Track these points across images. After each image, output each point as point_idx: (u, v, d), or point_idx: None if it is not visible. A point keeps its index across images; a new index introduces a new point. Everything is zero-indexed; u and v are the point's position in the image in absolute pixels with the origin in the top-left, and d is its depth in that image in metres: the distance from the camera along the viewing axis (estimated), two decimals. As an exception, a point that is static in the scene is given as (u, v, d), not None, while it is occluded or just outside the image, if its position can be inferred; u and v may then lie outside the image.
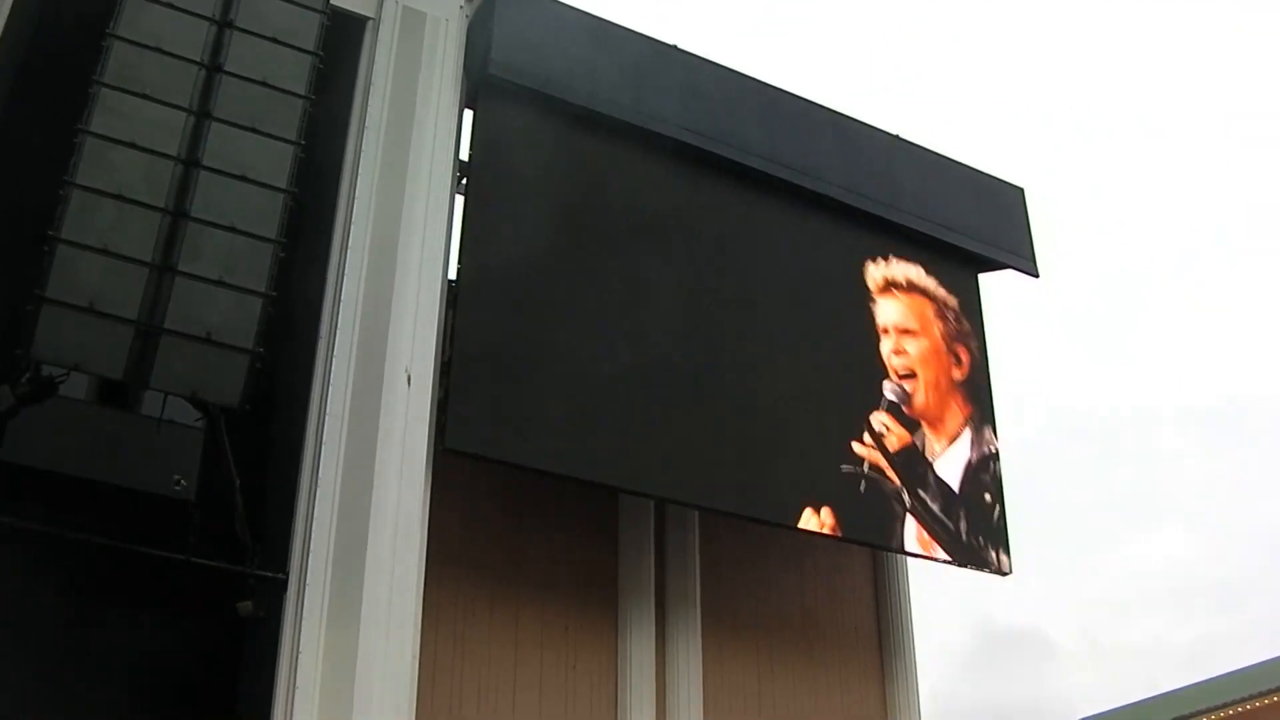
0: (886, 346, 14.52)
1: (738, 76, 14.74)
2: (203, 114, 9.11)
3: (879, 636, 14.59)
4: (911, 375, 14.41)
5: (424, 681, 10.51)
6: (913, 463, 13.87)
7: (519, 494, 12.59)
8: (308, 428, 10.16)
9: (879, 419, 13.78)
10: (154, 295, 8.43)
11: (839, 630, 14.33)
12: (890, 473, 13.61)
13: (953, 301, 15.37)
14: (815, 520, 12.89)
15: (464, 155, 12.58)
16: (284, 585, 9.56)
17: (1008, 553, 14.26)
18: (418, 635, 10.19)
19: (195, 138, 9.01)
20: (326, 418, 10.13)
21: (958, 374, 14.92)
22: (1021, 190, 16.67)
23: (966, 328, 15.35)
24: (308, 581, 9.51)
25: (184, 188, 8.81)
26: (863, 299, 14.66)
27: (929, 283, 15.24)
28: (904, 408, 14.08)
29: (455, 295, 11.84)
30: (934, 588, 15.23)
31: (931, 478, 13.92)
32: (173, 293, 8.49)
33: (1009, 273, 16.25)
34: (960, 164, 16.28)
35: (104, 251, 8.32)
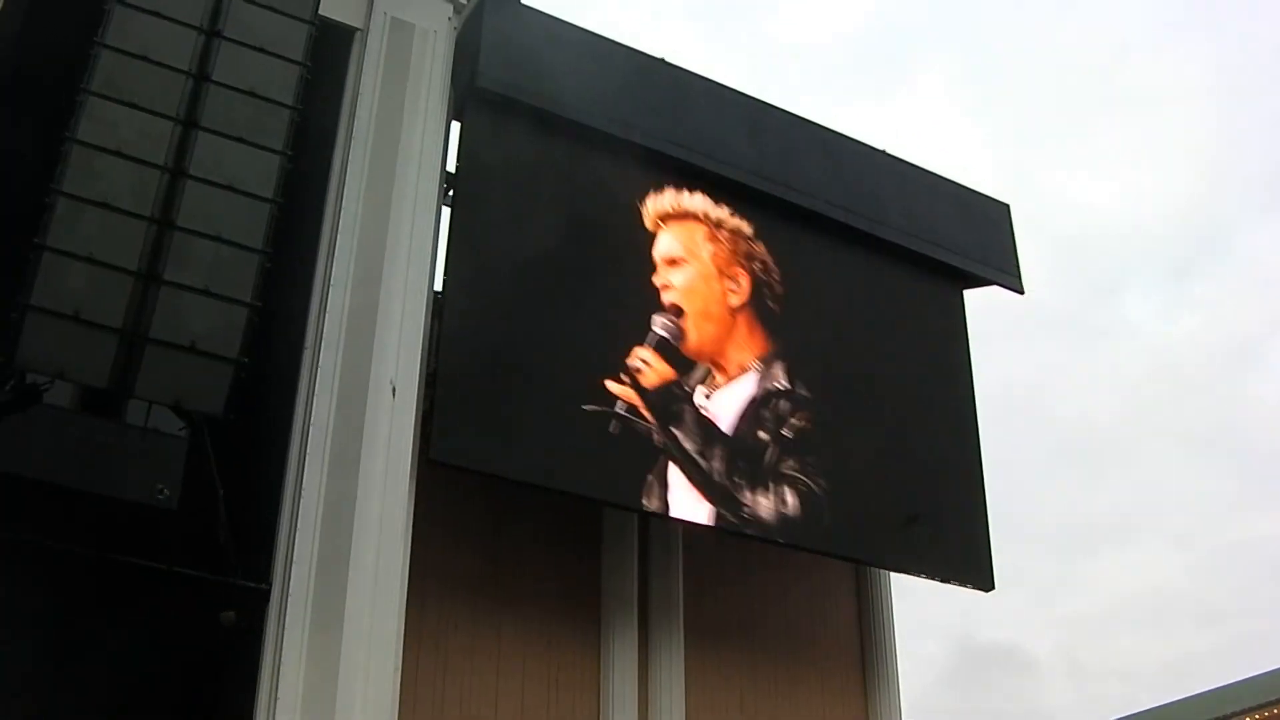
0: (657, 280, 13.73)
1: (725, 90, 14.77)
2: (190, 123, 9.12)
3: (861, 650, 14.59)
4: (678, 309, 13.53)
5: (406, 694, 10.51)
6: (671, 400, 13.02)
7: (503, 506, 12.57)
8: (292, 438, 10.17)
9: (640, 354, 12.90)
10: (139, 304, 8.44)
11: (822, 644, 14.33)
12: (645, 412, 12.72)
13: (733, 223, 14.51)
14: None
15: (450, 167, 12.59)
16: (267, 596, 9.57)
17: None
18: (400, 647, 10.18)
19: (182, 147, 9.02)
20: (311, 428, 10.15)
21: (734, 299, 14.10)
22: (1007, 206, 16.72)
23: (748, 249, 14.48)
24: (290, 592, 9.51)
25: (170, 197, 8.82)
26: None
27: (705, 204, 14.36)
28: (673, 342, 13.20)
29: (441, 307, 11.83)
30: (913, 601, 15.03)
31: (690, 416, 13.03)
32: (158, 302, 8.50)
33: (994, 288, 16.27)
34: (946, 180, 16.33)
35: (89, 260, 8.32)
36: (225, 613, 9.44)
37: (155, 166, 8.84)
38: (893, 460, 14.22)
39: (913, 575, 13.92)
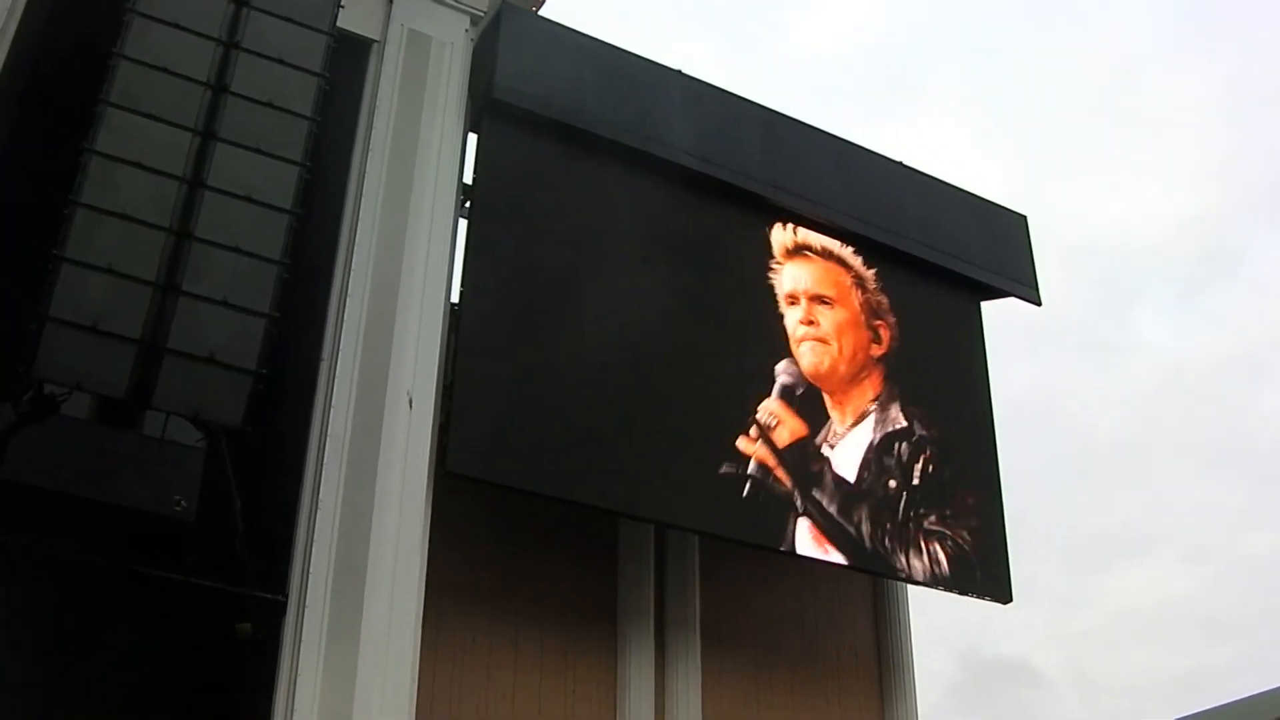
0: (794, 316, 14.17)
1: (741, 101, 14.76)
2: (208, 134, 9.10)
3: (878, 662, 14.53)
4: (824, 342, 14.06)
5: (422, 706, 10.47)
6: (806, 458, 13.28)
7: (519, 517, 12.55)
8: (309, 449, 10.16)
9: (769, 407, 13.26)
10: (157, 315, 8.41)
11: (838, 655, 14.28)
12: (779, 472, 13.02)
13: (868, 275, 14.98)
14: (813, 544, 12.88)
15: (467, 178, 12.60)
16: (283, 607, 9.55)
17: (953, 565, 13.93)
18: (417, 659, 10.14)
19: (200, 158, 9.00)
20: (328, 440, 10.14)
21: (876, 350, 14.51)
22: (1024, 218, 16.68)
23: (884, 303, 14.93)
24: (307, 604, 9.50)
25: (188, 208, 8.80)
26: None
27: (844, 252, 14.89)
28: (797, 392, 13.52)
29: (457, 318, 11.83)
30: (921, 614, 14.93)
31: (829, 474, 13.36)
32: (176, 313, 8.47)
33: (1007, 301, 16.23)
34: (963, 191, 16.30)
35: (108, 271, 8.31)
36: (241, 624, 9.41)
37: (174, 177, 8.82)
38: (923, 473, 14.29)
39: (931, 588, 13.85)
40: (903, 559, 13.47)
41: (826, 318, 14.28)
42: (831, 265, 14.70)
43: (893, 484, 13.77)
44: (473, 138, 12.81)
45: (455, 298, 11.94)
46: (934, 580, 13.71)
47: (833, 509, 13.10)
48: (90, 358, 8.13)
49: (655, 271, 13.37)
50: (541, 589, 12.58)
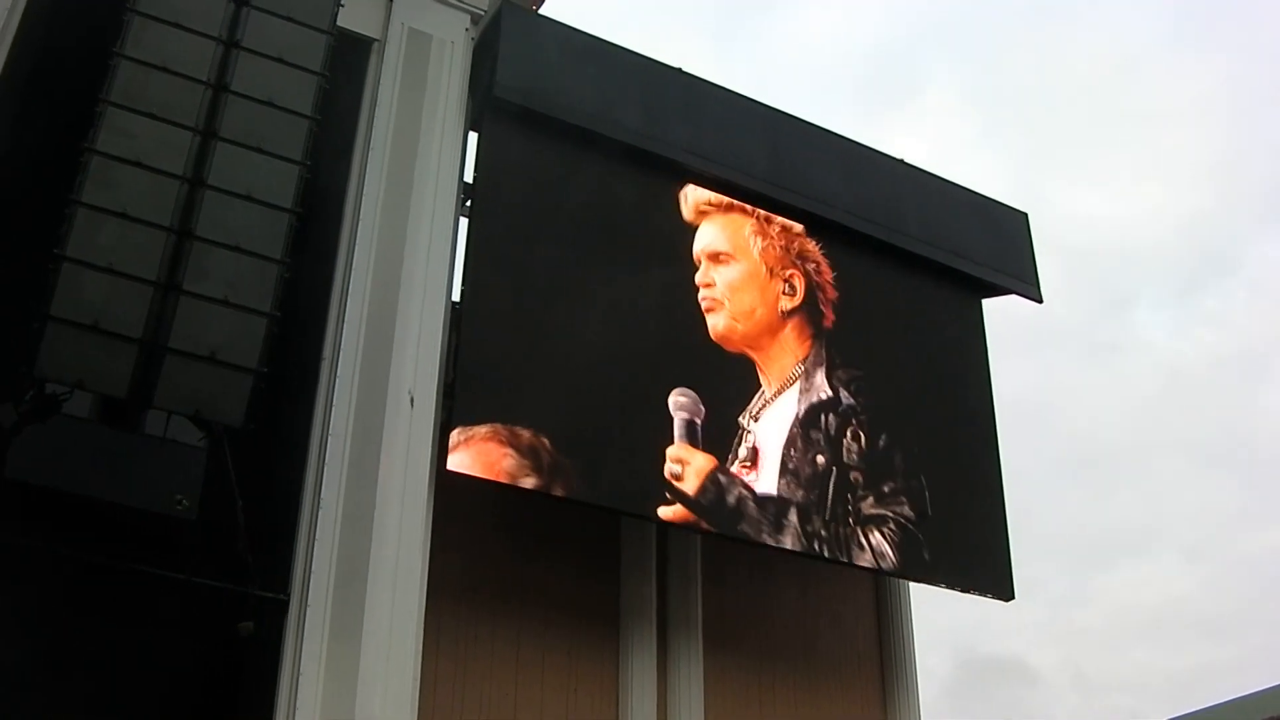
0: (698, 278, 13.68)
1: (741, 99, 14.76)
2: (208, 133, 9.11)
3: (881, 659, 14.52)
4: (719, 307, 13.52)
5: (424, 704, 10.45)
6: (722, 490, 12.75)
7: (521, 517, 12.54)
8: (310, 448, 10.17)
9: (673, 454, 12.57)
10: (158, 314, 8.43)
11: (841, 654, 14.27)
12: (703, 523, 12.64)
13: (782, 219, 14.45)
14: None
15: (468, 177, 12.59)
16: (285, 606, 9.56)
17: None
18: (419, 658, 10.15)
19: (201, 157, 9.02)
20: (329, 438, 10.15)
21: (787, 303, 14.07)
22: (1025, 215, 16.66)
23: (800, 247, 14.47)
24: (309, 602, 9.51)
25: (189, 207, 8.82)
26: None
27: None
28: (698, 421, 12.81)
29: (458, 317, 11.82)
30: (917, 612, 14.90)
31: (749, 501, 12.79)
32: (177, 312, 8.49)
33: (1008, 299, 16.23)
34: (964, 189, 16.29)
35: (109, 270, 8.32)
36: (243, 623, 9.40)
37: (174, 177, 8.83)
38: (920, 470, 14.15)
39: (933, 585, 13.84)
40: (842, 550, 13.14)
41: (721, 275, 13.80)
42: (732, 215, 14.18)
43: (821, 460, 13.39)
44: (473, 136, 12.80)
45: (456, 296, 11.93)
46: (879, 570, 13.61)
47: (764, 529, 12.78)
48: (91, 357, 8.15)
49: (655, 270, 13.35)
50: (543, 589, 12.57)
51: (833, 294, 14.40)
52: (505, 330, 12.12)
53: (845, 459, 13.53)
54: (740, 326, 13.61)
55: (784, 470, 13.11)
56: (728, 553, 13.53)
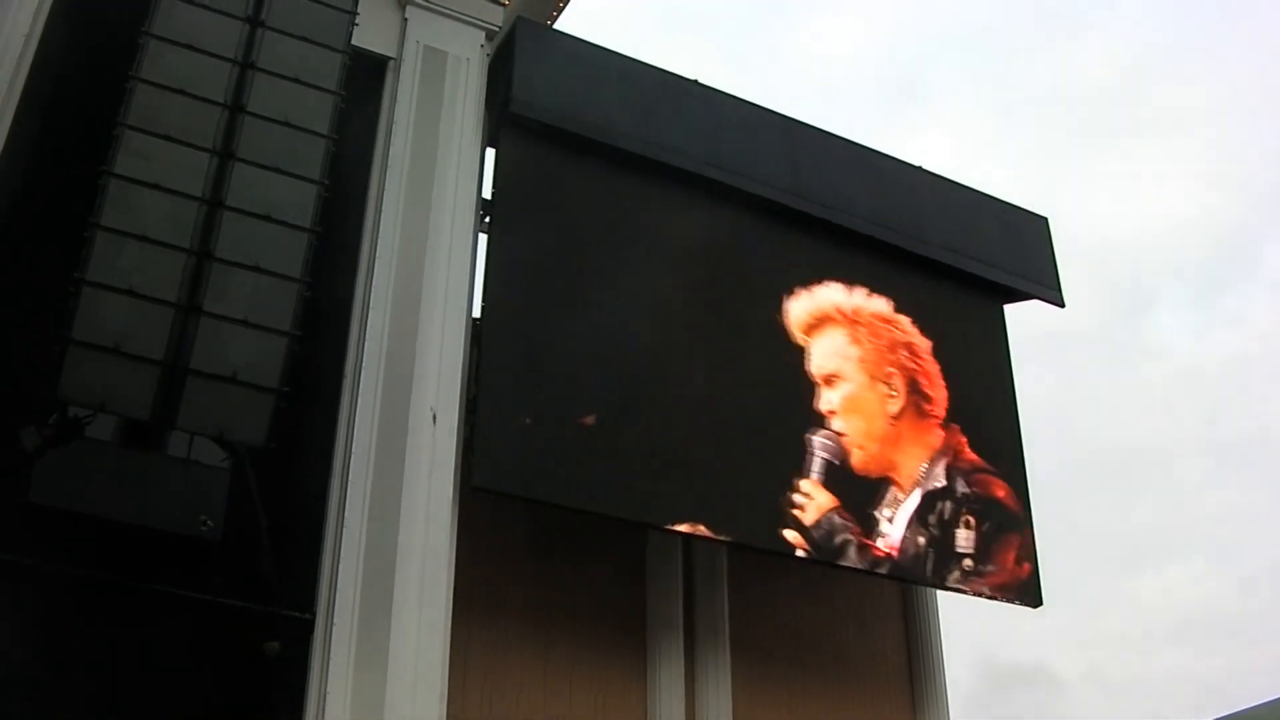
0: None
1: (759, 110, 14.75)
2: (226, 154, 9.14)
3: (910, 670, 14.46)
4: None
5: (453, 717, 10.44)
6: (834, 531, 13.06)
7: (546, 531, 12.54)
8: (334, 467, 10.17)
9: (802, 486, 12.99)
10: (179, 336, 8.45)
11: (869, 664, 14.21)
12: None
13: (872, 306, 14.67)
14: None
15: (486, 193, 12.60)
16: (311, 625, 9.55)
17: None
18: (446, 674, 10.12)
19: (219, 178, 9.04)
20: (352, 457, 10.14)
21: (894, 405, 14.22)
22: (1045, 220, 16.61)
23: (891, 335, 14.63)
24: (335, 621, 9.50)
25: (208, 228, 8.84)
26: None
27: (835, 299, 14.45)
28: (836, 463, 13.26)
29: (479, 333, 11.83)
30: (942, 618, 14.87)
31: (854, 546, 13.09)
32: (198, 333, 8.51)
33: (1029, 304, 16.18)
34: (984, 195, 16.24)
35: (129, 293, 8.35)
36: (270, 643, 9.39)
37: (192, 198, 8.86)
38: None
39: (961, 593, 13.77)
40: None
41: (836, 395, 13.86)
42: (828, 331, 14.24)
43: (922, 541, 13.58)
44: (490, 152, 12.82)
45: (477, 312, 11.94)
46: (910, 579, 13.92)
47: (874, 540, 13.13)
48: (114, 379, 8.17)
49: (677, 284, 13.34)
50: (570, 602, 12.56)
51: (931, 372, 14.61)
52: (526, 344, 12.10)
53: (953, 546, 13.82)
54: (873, 450, 13.77)
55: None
56: (753, 562, 13.49)
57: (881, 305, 14.66)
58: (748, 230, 14.19)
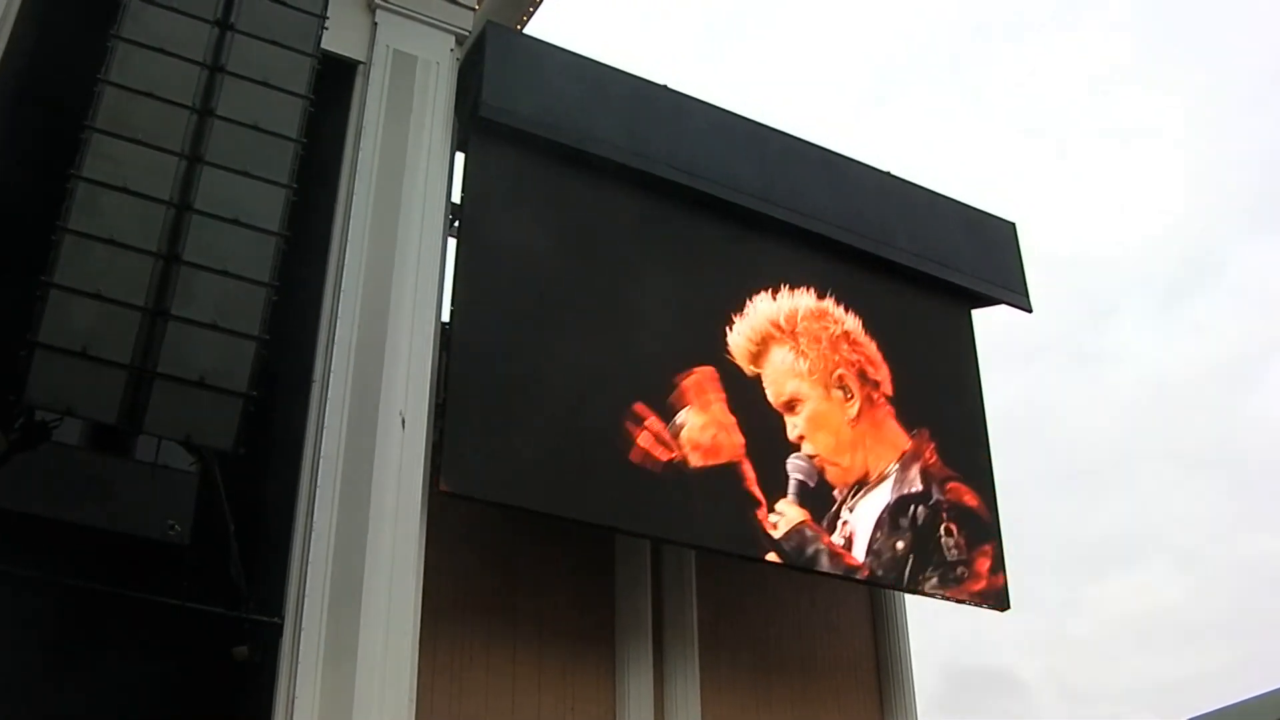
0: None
1: (728, 115, 14.80)
2: (195, 158, 9.08)
3: (877, 671, 14.53)
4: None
5: (421, 723, 10.45)
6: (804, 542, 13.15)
7: (514, 535, 12.55)
8: (302, 471, 10.14)
9: (779, 508, 13.10)
10: (147, 339, 8.38)
11: (837, 666, 14.27)
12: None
13: (811, 308, 14.68)
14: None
15: (455, 197, 12.60)
16: (279, 630, 9.51)
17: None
18: (414, 678, 10.11)
19: (187, 181, 8.98)
20: (321, 461, 10.12)
21: (851, 409, 14.30)
22: (1013, 225, 16.72)
23: (829, 333, 14.67)
24: (303, 626, 9.47)
25: (176, 232, 8.77)
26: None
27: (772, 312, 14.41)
28: (810, 484, 13.40)
29: (448, 337, 11.83)
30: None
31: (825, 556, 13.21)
32: (165, 336, 8.44)
33: (994, 311, 16.28)
34: (952, 200, 16.33)
35: (96, 296, 8.28)
36: (238, 648, 9.37)
37: (161, 201, 8.80)
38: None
39: (929, 597, 13.84)
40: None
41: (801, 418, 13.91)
42: (773, 350, 14.18)
43: (900, 546, 13.72)
44: (460, 156, 12.82)
45: (446, 316, 11.94)
46: (878, 583, 14.04)
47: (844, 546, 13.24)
48: (81, 383, 8.10)
49: (645, 286, 13.37)
50: (538, 605, 12.58)
51: (871, 354, 14.70)
52: (495, 349, 12.12)
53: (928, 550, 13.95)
54: (844, 462, 13.85)
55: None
56: (722, 566, 13.53)
57: (808, 300, 14.67)
58: (716, 234, 14.24)
